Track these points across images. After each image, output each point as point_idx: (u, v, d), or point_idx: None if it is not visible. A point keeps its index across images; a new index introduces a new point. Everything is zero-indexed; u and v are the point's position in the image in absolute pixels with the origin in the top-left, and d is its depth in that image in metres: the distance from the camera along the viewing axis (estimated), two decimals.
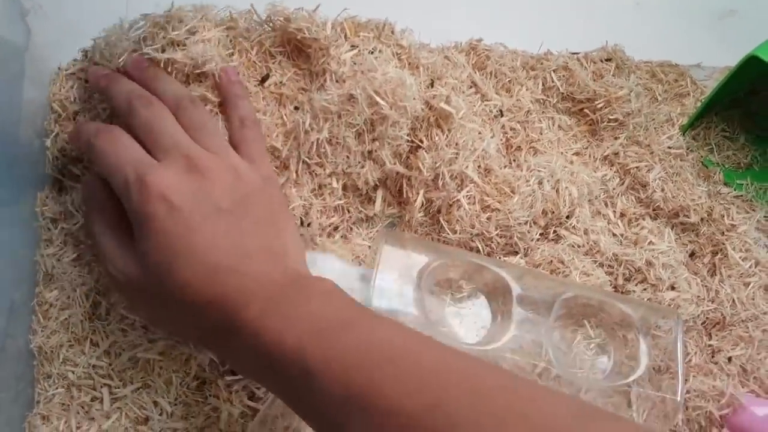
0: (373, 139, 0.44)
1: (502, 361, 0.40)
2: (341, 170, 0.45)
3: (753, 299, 0.49)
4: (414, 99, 0.44)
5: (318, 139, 0.43)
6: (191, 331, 0.35)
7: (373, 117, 0.43)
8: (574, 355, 0.42)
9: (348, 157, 0.44)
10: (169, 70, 0.41)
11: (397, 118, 0.43)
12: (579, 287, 0.44)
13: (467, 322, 0.41)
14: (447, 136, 0.46)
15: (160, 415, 0.40)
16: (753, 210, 0.52)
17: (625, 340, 0.44)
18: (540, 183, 0.47)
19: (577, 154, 0.52)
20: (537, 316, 0.42)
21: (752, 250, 0.50)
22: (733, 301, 0.49)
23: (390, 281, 0.40)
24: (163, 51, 0.40)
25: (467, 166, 0.46)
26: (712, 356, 0.48)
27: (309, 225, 0.45)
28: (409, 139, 0.46)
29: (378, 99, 0.42)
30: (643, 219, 0.50)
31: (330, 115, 0.43)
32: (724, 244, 0.50)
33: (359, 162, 0.45)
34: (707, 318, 0.48)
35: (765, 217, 0.52)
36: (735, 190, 0.53)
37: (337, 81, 0.44)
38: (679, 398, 0.41)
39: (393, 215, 0.48)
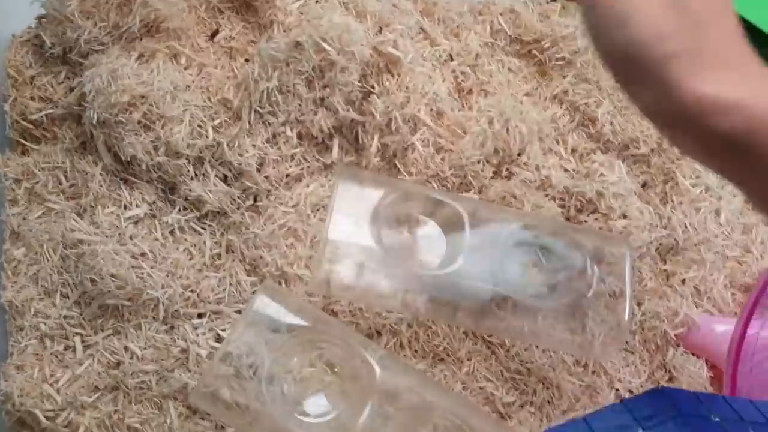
0: (324, 86, 0.46)
1: (457, 286, 0.42)
2: (294, 118, 0.46)
3: (704, 223, 0.50)
4: (362, 45, 0.45)
5: (268, 88, 0.44)
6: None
7: (322, 63, 0.44)
8: (526, 282, 0.44)
9: (300, 104, 0.46)
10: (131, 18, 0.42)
11: (345, 63, 0.45)
12: (532, 217, 0.46)
13: (423, 253, 0.42)
14: (397, 80, 0.47)
15: (131, 359, 0.42)
16: None
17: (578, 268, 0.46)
18: (490, 122, 0.49)
19: (527, 94, 0.53)
20: (491, 243, 0.43)
21: (702, 177, 0.52)
22: (686, 226, 0.50)
23: (346, 215, 0.41)
24: None
25: (419, 110, 0.47)
26: (667, 280, 0.50)
27: (267, 177, 0.47)
28: (361, 85, 0.47)
29: (325, 45, 0.44)
30: (594, 153, 0.52)
31: (278, 63, 0.44)
32: (674, 172, 0.52)
33: (312, 109, 0.46)
34: (660, 244, 0.50)
35: None
36: None
37: (284, 31, 0.45)
38: (627, 317, 0.43)
39: (351, 162, 0.50)
